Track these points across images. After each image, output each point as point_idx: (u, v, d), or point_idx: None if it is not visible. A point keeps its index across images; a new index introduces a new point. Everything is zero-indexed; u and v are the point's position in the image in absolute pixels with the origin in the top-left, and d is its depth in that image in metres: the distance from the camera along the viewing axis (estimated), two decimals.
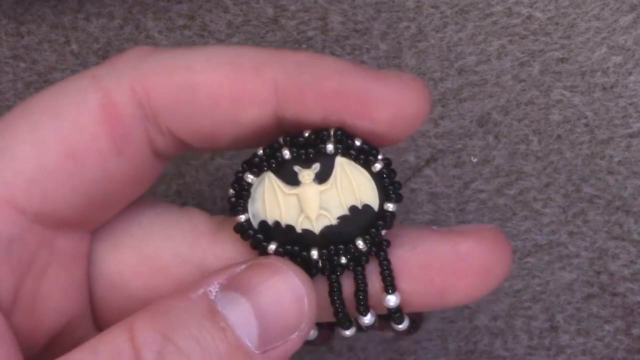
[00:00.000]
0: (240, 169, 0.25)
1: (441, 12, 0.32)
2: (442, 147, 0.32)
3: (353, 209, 0.25)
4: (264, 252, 0.25)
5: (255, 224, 0.25)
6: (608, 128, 0.32)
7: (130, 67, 0.24)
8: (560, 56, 0.32)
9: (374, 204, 0.25)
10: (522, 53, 0.32)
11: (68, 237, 0.25)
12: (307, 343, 0.27)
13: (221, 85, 0.24)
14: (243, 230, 0.25)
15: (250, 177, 0.25)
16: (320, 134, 0.25)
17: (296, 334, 0.23)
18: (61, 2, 0.32)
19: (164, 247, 0.26)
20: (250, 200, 0.25)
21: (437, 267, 0.24)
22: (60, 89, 0.25)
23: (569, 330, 0.32)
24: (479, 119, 0.32)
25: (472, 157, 0.32)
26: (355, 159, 0.25)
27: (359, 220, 0.25)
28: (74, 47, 0.32)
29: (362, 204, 0.25)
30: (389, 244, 0.25)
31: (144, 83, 0.24)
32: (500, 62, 0.32)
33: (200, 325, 0.22)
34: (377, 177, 0.25)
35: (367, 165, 0.25)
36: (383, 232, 0.25)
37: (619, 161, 0.32)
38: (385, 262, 0.24)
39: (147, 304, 0.24)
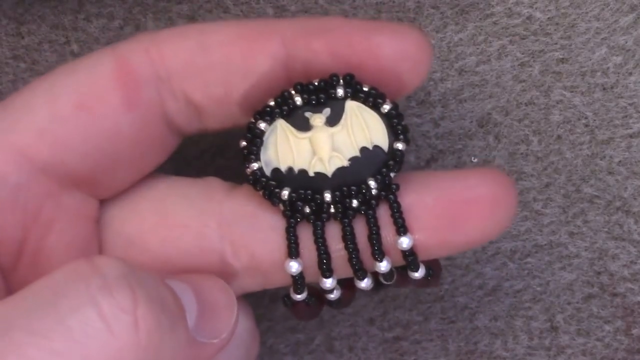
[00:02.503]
0: (253, 120, 0.26)
1: (441, 13, 0.32)
2: (442, 148, 0.32)
3: (364, 150, 0.25)
4: (276, 199, 0.25)
5: (267, 172, 0.25)
6: (608, 128, 0.32)
7: (145, 36, 0.26)
8: (561, 56, 0.32)
9: (384, 144, 0.25)
10: (522, 53, 0.32)
11: (76, 197, 0.26)
12: (332, 306, 0.27)
13: (233, 43, 0.25)
14: (256, 178, 0.25)
15: (262, 125, 0.25)
16: (329, 79, 0.25)
17: (223, 336, 0.24)
18: (61, 2, 0.32)
19: (181, 203, 0.26)
20: (262, 149, 0.25)
21: (448, 199, 0.25)
22: (81, 58, 0.26)
23: (569, 330, 0.32)
24: (479, 120, 0.32)
25: (473, 158, 0.32)
26: (365, 102, 0.25)
27: (370, 161, 0.25)
28: (74, 47, 0.32)
29: (373, 144, 0.25)
30: (398, 187, 0.25)
31: (158, 47, 0.25)
32: (500, 63, 0.32)
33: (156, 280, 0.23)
34: (386, 118, 0.25)
35: (376, 107, 0.25)
36: (393, 174, 0.25)
37: (619, 161, 0.32)
38: (395, 204, 0.25)
39: (165, 258, 0.25)
